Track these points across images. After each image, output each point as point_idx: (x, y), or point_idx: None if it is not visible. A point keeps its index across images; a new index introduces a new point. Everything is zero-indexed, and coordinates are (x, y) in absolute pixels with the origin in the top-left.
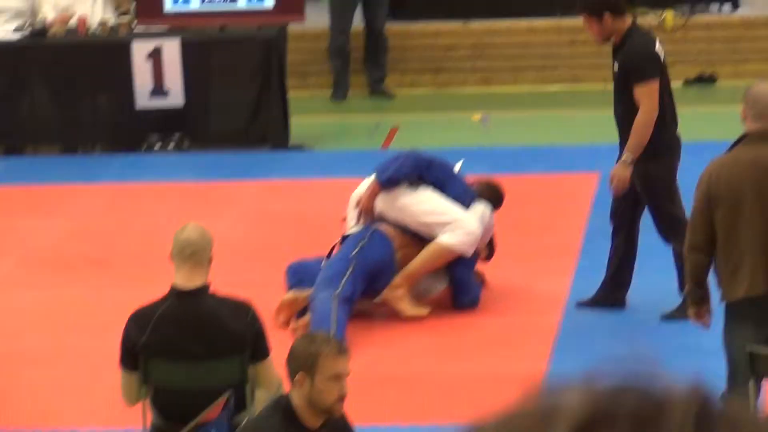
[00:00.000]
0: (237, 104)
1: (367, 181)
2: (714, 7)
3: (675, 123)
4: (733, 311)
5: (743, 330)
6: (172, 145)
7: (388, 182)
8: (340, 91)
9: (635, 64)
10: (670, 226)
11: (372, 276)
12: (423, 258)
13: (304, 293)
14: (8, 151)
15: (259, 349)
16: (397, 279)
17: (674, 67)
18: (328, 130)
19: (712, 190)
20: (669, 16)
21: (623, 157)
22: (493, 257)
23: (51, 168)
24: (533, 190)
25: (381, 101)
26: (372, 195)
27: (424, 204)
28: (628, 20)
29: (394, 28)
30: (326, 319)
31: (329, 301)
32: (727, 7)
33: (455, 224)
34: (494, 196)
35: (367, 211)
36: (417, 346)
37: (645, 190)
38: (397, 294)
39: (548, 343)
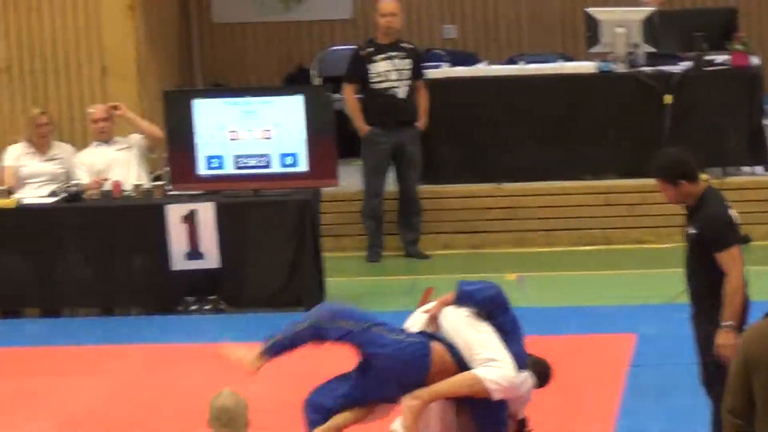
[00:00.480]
0: (272, 266)
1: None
2: (746, 169)
3: (746, 286)
4: None
5: None
6: (208, 307)
7: (464, 296)
8: (374, 252)
9: (715, 231)
10: (720, 383)
11: (385, 378)
12: (452, 381)
13: (335, 423)
14: (45, 314)
15: None
16: (422, 391)
17: None
18: (363, 291)
19: (749, 355)
20: (703, 178)
21: (725, 325)
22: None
23: (88, 330)
24: (569, 351)
25: (415, 263)
26: (444, 303)
27: (479, 334)
28: (702, 183)
29: (427, 189)
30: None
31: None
32: (759, 168)
33: (497, 363)
34: (541, 375)
35: (433, 316)
36: None
37: (707, 347)
38: (413, 404)
39: None
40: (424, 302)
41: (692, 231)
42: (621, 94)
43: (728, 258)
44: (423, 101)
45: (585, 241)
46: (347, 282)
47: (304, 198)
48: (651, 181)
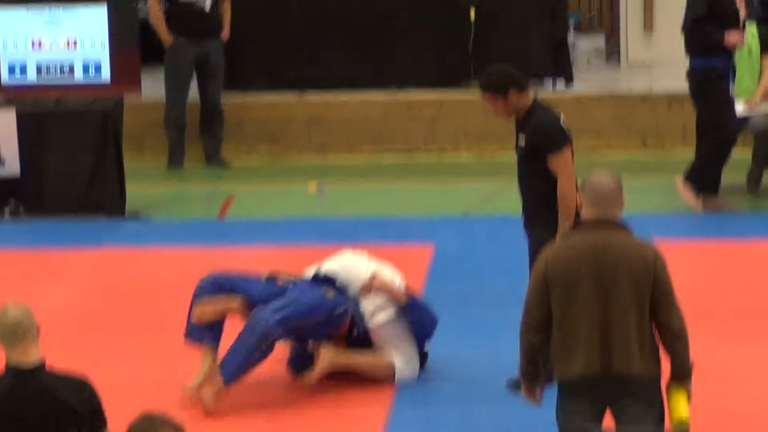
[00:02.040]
0: (73, 173)
1: (364, 262)
2: (548, 83)
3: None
4: (567, 390)
5: (577, 407)
6: (7, 212)
7: (414, 321)
8: (176, 159)
9: (545, 137)
10: None
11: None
12: (372, 362)
13: (234, 301)
14: None
15: (96, 424)
16: (341, 357)
17: (508, 142)
18: (164, 199)
19: (549, 273)
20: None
21: (561, 230)
22: None
23: None
24: None
25: (217, 171)
26: (393, 297)
27: (403, 344)
28: (530, 95)
29: (230, 98)
30: (247, 352)
31: (260, 339)
32: (560, 84)
33: (408, 362)
34: None
35: (368, 289)
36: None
37: (533, 255)
38: (330, 363)
39: (382, 413)
40: (224, 211)
41: (522, 142)
42: (426, 6)
43: (561, 160)
44: (227, 12)
45: (386, 151)
46: (148, 190)
47: (105, 107)
48: (453, 94)
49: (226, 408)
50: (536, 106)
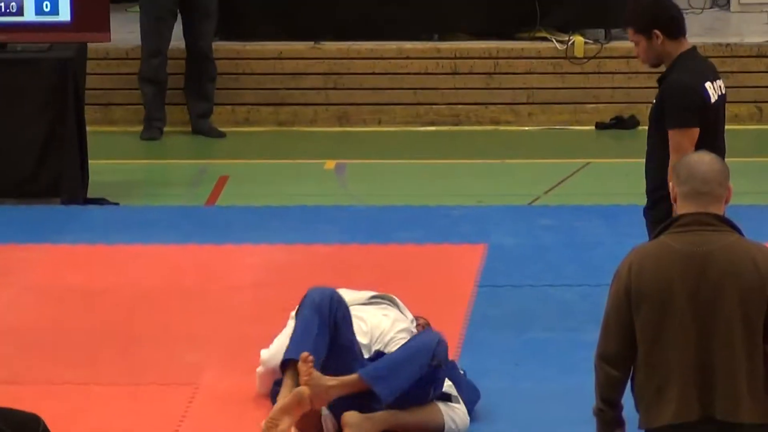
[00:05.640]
0: (21, 144)
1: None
2: None
3: None
4: None
5: None
6: None
7: None
8: (152, 127)
9: (672, 104)
10: None
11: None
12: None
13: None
14: None
15: None
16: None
17: (583, 110)
18: (138, 178)
19: (633, 286)
20: (579, 41)
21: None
22: None
23: None
24: (399, 265)
25: (206, 142)
26: None
27: None
28: (684, 45)
29: (225, 47)
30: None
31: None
32: None
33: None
34: None
35: None
36: None
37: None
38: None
39: None
40: (216, 195)
41: (655, 99)
42: None
43: (676, 142)
44: None
45: (426, 120)
46: (117, 166)
47: (64, 56)
48: (511, 44)
49: None
50: (684, 58)
